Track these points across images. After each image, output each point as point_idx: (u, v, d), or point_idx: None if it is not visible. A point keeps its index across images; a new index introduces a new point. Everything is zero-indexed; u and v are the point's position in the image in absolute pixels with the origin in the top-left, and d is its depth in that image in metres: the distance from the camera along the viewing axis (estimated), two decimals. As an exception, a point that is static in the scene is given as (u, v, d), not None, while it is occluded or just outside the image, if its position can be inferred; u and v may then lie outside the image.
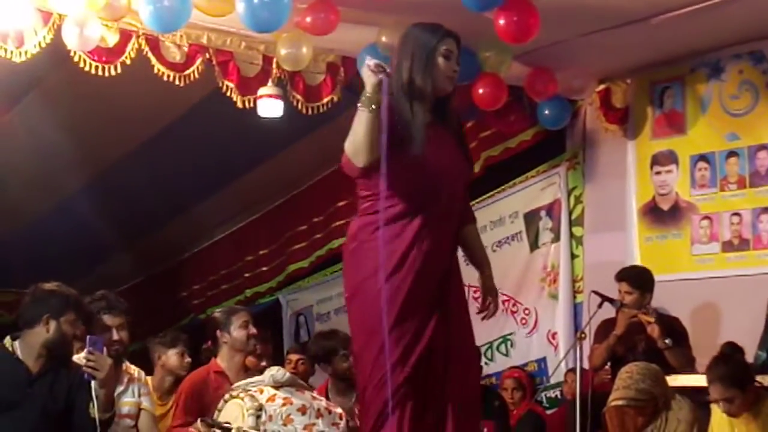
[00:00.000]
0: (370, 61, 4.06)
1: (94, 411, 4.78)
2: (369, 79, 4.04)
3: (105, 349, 4.97)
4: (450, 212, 4.30)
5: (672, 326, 6.76)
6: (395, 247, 4.16)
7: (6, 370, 4.82)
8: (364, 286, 4.18)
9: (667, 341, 6.53)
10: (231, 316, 6.09)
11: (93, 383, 4.80)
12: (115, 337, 5.30)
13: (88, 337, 4.94)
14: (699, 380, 5.78)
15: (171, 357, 6.53)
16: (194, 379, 6.04)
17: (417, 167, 4.15)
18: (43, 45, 5.93)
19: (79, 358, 5.09)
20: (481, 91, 7.15)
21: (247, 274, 11.16)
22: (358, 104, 4.07)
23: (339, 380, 6.64)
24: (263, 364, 6.96)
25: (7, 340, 4.91)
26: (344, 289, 4.34)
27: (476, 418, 4.46)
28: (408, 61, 4.23)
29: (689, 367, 6.45)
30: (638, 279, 6.88)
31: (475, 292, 8.74)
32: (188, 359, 6.59)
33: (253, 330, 6.08)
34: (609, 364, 6.88)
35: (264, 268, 10.98)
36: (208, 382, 5.94)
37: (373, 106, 4.03)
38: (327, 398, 6.41)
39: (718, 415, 5.49)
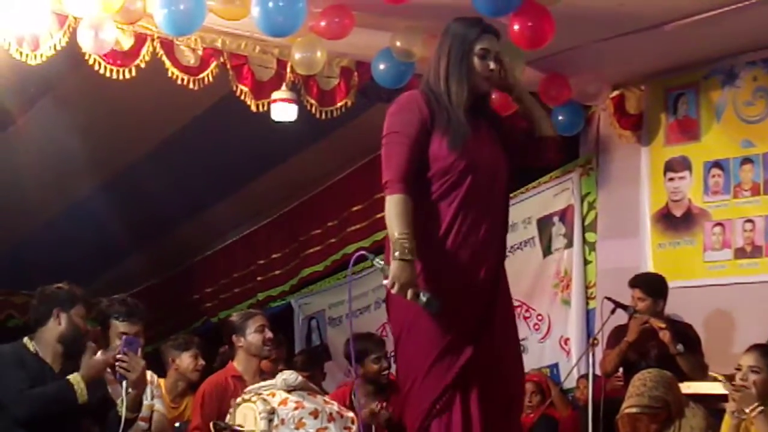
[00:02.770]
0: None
1: (122, 409, 4.82)
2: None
3: (140, 350, 5.00)
4: (492, 209, 4.23)
5: (685, 333, 6.75)
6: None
7: (33, 369, 4.85)
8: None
9: (678, 347, 6.52)
10: (247, 320, 6.10)
11: (124, 382, 4.84)
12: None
13: (124, 337, 5.01)
14: (712, 387, 5.77)
15: (184, 360, 6.55)
16: (213, 383, 6.05)
17: (454, 162, 4.13)
18: (59, 48, 5.95)
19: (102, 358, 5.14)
20: (493, 96, 7.12)
21: (259, 278, 11.16)
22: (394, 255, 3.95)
23: (368, 383, 6.67)
24: (280, 368, 6.99)
25: (27, 341, 4.95)
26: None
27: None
28: (444, 60, 4.24)
29: (702, 374, 6.43)
30: (651, 286, 6.88)
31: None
32: (201, 362, 6.60)
33: (269, 334, 6.10)
34: (621, 370, 6.89)
35: (277, 272, 10.97)
36: (227, 387, 5.96)
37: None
38: (350, 400, 6.44)
39: (728, 423, 5.45)
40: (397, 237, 3.94)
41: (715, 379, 5.67)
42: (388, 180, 4.06)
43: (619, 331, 6.89)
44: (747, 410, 5.10)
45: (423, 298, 3.93)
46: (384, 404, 6.50)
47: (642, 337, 6.71)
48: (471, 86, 4.22)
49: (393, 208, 4.01)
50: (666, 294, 6.87)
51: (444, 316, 4.03)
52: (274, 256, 10.98)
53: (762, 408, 5.08)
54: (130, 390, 4.88)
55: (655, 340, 6.68)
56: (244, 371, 6.07)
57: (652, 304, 6.78)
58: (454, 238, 4.11)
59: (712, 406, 5.75)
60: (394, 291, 3.90)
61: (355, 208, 10.00)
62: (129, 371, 4.87)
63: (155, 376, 5.81)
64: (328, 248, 10.34)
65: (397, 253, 3.91)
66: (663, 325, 6.61)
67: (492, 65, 4.24)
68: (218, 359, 6.66)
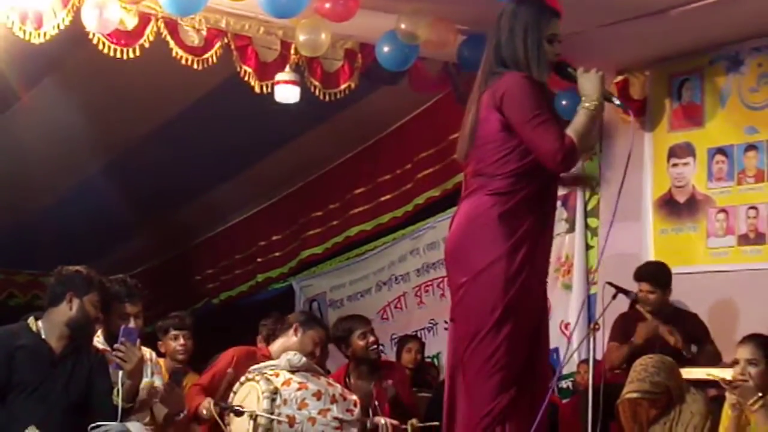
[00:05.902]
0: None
1: (118, 399, 4.82)
2: (595, 77, 4.22)
3: (138, 341, 5.00)
4: None
5: (693, 326, 6.78)
6: (528, 228, 4.21)
7: (31, 349, 4.87)
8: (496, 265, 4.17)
9: (693, 349, 6.52)
10: (314, 325, 6.26)
11: (120, 372, 4.85)
12: (132, 324, 5.31)
13: (122, 327, 5.00)
14: (713, 374, 5.77)
15: (168, 345, 6.56)
16: (240, 350, 6.16)
17: None
18: (62, 27, 5.94)
19: (98, 344, 5.15)
20: (498, 79, 7.12)
21: (259, 259, 11.18)
22: (590, 105, 4.20)
23: (359, 362, 6.71)
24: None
25: (31, 320, 4.96)
26: (461, 264, 4.29)
27: None
28: (522, 48, 4.26)
29: (718, 361, 6.42)
30: (659, 278, 6.89)
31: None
32: (183, 341, 6.55)
33: (317, 352, 6.19)
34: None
35: (277, 254, 10.99)
36: (255, 358, 6.02)
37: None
38: (347, 382, 6.48)
39: (728, 415, 5.45)
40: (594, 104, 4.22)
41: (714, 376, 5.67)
42: (565, 143, 4.13)
43: (624, 321, 6.93)
44: (748, 403, 5.11)
45: (615, 100, 4.42)
46: (390, 381, 6.54)
47: (650, 339, 6.73)
48: (546, 73, 4.31)
49: (585, 131, 4.19)
50: (671, 282, 6.88)
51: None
52: (274, 237, 10.99)
53: (762, 401, 5.09)
54: (126, 380, 4.89)
55: (662, 338, 6.72)
56: (276, 357, 6.14)
57: (661, 295, 6.81)
58: (541, 228, 4.30)
59: (713, 392, 5.76)
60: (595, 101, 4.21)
61: (357, 191, 10.00)
62: (125, 361, 4.88)
63: (154, 354, 5.83)
64: (329, 230, 10.35)
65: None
66: (672, 338, 6.61)
67: (558, 50, 4.32)
68: (263, 329, 6.65)
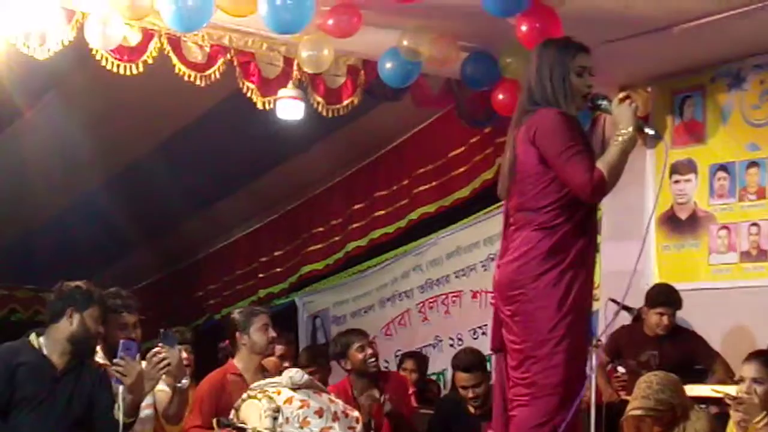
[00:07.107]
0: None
1: (119, 414, 4.82)
2: (628, 109, 4.37)
3: (138, 355, 5.00)
4: None
5: (697, 346, 6.81)
6: (575, 253, 4.39)
7: (32, 366, 4.87)
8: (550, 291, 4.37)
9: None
10: (251, 318, 6.09)
11: (121, 387, 4.84)
12: (132, 334, 5.32)
13: (121, 341, 4.99)
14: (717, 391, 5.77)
15: None
16: (211, 381, 6.05)
17: None
18: (66, 43, 5.95)
19: (98, 359, 5.14)
20: (500, 96, 7.14)
21: (261, 275, 11.18)
22: (622, 137, 4.33)
23: (360, 376, 6.68)
24: (285, 365, 6.97)
25: (33, 337, 4.96)
26: (515, 297, 4.42)
27: None
28: (549, 84, 4.41)
29: (731, 376, 6.41)
30: (676, 302, 6.93)
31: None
32: (185, 355, 6.50)
33: (272, 333, 6.10)
34: (623, 371, 6.92)
35: (278, 269, 10.99)
36: (225, 385, 5.96)
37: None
38: (352, 396, 6.45)
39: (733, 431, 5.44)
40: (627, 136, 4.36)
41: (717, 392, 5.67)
42: (594, 176, 4.27)
43: (622, 336, 6.97)
44: (753, 421, 5.09)
45: (649, 130, 4.64)
46: (387, 396, 6.53)
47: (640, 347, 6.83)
48: (576, 105, 4.44)
49: (616, 163, 4.32)
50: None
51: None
52: (276, 253, 11.00)
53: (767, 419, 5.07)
54: (126, 395, 4.89)
55: (658, 349, 6.74)
56: (245, 368, 6.06)
57: (674, 318, 6.84)
58: (587, 254, 4.47)
59: (717, 409, 5.75)
60: (627, 133, 4.34)
61: (357, 207, 10.01)
62: (125, 376, 4.88)
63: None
64: (331, 246, 10.35)
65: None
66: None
67: (589, 82, 4.46)
68: (220, 353, 6.64)
